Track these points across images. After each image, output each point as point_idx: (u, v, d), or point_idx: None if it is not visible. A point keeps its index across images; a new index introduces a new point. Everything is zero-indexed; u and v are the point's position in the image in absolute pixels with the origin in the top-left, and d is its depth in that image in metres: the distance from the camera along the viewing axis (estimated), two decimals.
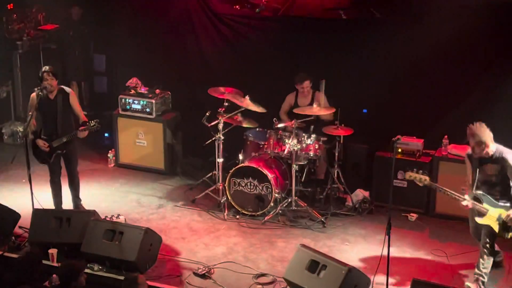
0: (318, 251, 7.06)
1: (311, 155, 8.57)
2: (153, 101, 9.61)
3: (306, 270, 6.78)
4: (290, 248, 7.69)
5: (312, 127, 8.62)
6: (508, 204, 6.69)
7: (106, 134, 10.50)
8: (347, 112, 8.66)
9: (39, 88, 8.06)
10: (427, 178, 6.92)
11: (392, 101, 9.09)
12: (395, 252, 7.22)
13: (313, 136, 8.55)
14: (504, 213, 6.65)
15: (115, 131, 9.92)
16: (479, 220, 6.83)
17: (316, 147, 8.57)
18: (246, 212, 8.58)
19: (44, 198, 8.34)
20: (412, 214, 8.54)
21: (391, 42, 8.83)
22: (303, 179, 8.77)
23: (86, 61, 11.30)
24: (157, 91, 9.77)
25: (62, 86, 8.22)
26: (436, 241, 8.00)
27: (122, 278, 6.79)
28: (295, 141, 8.41)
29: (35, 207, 7.95)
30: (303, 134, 8.54)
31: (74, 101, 8.19)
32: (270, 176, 8.37)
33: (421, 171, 6.95)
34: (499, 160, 6.65)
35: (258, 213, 8.52)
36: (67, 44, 11.06)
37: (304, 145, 8.50)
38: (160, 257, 7.55)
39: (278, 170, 8.58)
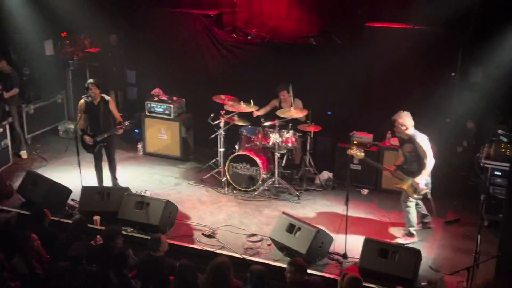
0: (295, 217, 7.08)
1: (289, 146, 8.58)
2: (172, 106, 9.60)
3: (286, 231, 6.83)
4: (274, 215, 7.72)
5: (290, 125, 8.63)
6: (414, 172, 6.82)
7: (136, 131, 10.46)
8: (316, 113, 8.68)
9: (86, 96, 8.06)
10: (362, 154, 7.13)
11: (349, 106, 9.09)
12: (351, 218, 7.22)
13: (291, 131, 8.55)
14: (414, 181, 6.76)
15: (143, 128, 9.89)
16: (396, 185, 7.00)
17: (293, 140, 8.58)
18: (241, 189, 8.58)
19: (89, 178, 8.36)
20: (364, 190, 8.60)
21: (349, 61, 8.83)
22: (283, 163, 8.79)
23: (121, 75, 11.26)
24: (175, 98, 9.75)
25: (103, 95, 8.21)
26: (382, 209, 8.04)
27: (148, 237, 6.84)
28: (277, 135, 8.43)
29: (83, 185, 7.98)
30: (284, 130, 8.54)
31: (112, 106, 8.18)
32: (259, 161, 8.39)
33: (359, 148, 7.25)
34: (413, 141, 6.75)
35: (250, 189, 8.53)
36: (107, 63, 11.02)
37: (284, 138, 8.50)
38: (177, 222, 7.59)
39: (265, 157, 8.60)
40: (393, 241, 6.98)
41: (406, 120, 6.81)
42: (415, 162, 6.82)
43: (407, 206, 7.02)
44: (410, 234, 7.10)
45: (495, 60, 8.15)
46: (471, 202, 7.83)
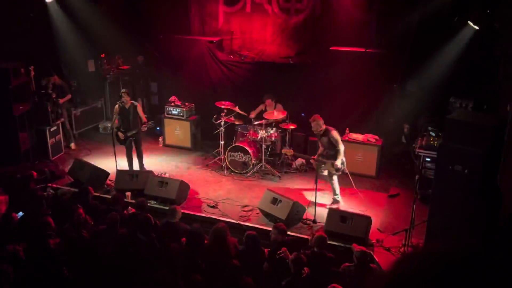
0: (277, 192, 7.08)
1: (273, 139, 8.58)
2: (184, 109, 9.54)
3: (270, 203, 6.85)
4: (261, 192, 7.64)
5: (273, 123, 8.63)
6: (332, 158, 6.92)
7: (157, 128, 10.44)
8: (294, 115, 8.69)
9: (119, 102, 8.00)
10: (291, 151, 7.56)
11: (318, 108, 8.96)
12: (319, 193, 7.25)
13: (274, 129, 8.55)
14: (333, 163, 6.90)
15: (163, 126, 9.83)
16: (320, 170, 7.15)
17: (276, 135, 8.58)
18: (236, 171, 8.55)
19: (123, 164, 8.31)
20: (340, 173, 8.53)
21: (318, 76, 8.86)
22: (268, 152, 8.80)
23: (146, 86, 11.18)
24: (186, 103, 9.70)
25: (133, 101, 8.16)
26: (342, 186, 8.01)
27: (166, 208, 6.85)
28: (264, 131, 8.42)
29: (118, 168, 7.94)
30: (268, 128, 8.54)
31: (139, 109, 8.13)
32: (250, 151, 8.38)
33: (288, 147, 7.67)
34: (327, 134, 6.94)
35: (243, 172, 8.50)
36: (135, 77, 10.94)
37: (268, 133, 8.50)
38: (189, 197, 7.57)
39: (254, 148, 8.58)
40: (328, 207, 7.00)
41: (320, 122, 6.97)
42: (332, 149, 6.96)
43: (332, 180, 7.13)
44: (336, 201, 7.21)
45: (426, 74, 8.19)
46: (408, 181, 7.90)
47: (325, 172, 7.45)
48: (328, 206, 7.17)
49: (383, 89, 8.62)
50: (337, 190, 7.29)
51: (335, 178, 7.20)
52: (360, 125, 8.69)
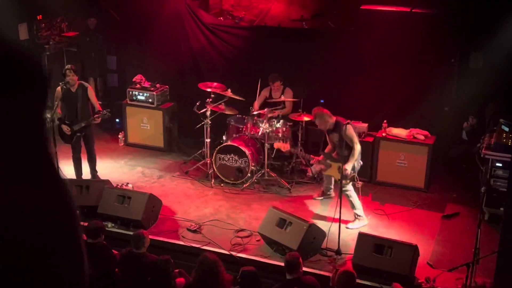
0: (285, 211, 7.09)
1: (280, 136, 8.54)
2: (155, 93, 9.53)
3: (276, 226, 6.82)
4: (263, 209, 7.68)
5: (280, 114, 8.60)
6: (342, 159, 7.13)
7: (117, 120, 10.41)
8: (308, 101, 8.67)
9: (63, 82, 7.98)
10: (288, 146, 7.86)
11: (343, 93, 9.08)
12: (345, 212, 7.25)
13: (281, 121, 8.53)
14: (342, 167, 7.05)
15: (124, 117, 9.82)
16: (325, 172, 7.52)
17: (284, 130, 8.56)
18: (228, 181, 8.56)
19: (67, 170, 8.29)
20: (358, 182, 8.59)
21: (343, 47, 8.84)
22: (273, 155, 8.77)
23: (100, 61, 11.16)
24: (158, 85, 9.68)
25: (82, 82, 8.13)
26: (377, 203, 8.07)
27: (129, 233, 6.80)
28: (267, 125, 8.40)
29: None
30: (274, 120, 8.52)
31: (91, 94, 8.12)
32: (247, 152, 8.36)
33: (284, 141, 7.80)
34: (339, 130, 7.17)
35: (238, 182, 8.51)
36: (85, 47, 10.92)
37: (274, 128, 8.48)
38: (160, 217, 7.56)
39: (254, 148, 8.57)
40: (346, 227, 7.25)
41: (326, 115, 7.27)
42: (344, 148, 7.14)
43: (345, 191, 7.26)
44: (358, 217, 7.39)
45: (497, 45, 8.16)
46: (471, 195, 7.89)
47: (329, 182, 7.81)
48: (350, 226, 7.26)
49: (435, 66, 8.60)
50: (357, 203, 7.36)
51: (349, 187, 7.30)
52: (403, 116, 8.69)
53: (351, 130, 7.22)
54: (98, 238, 6.05)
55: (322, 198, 8.10)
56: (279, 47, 9.33)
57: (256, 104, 8.95)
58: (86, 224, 6.50)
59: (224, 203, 8.08)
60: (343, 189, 7.24)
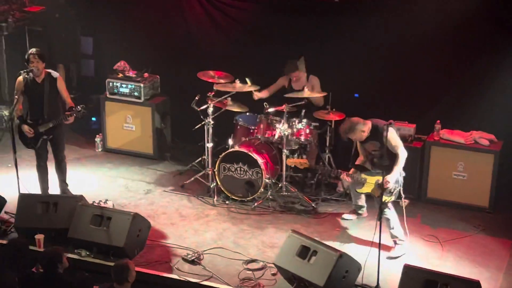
0: (309, 236, 7.07)
1: (302, 140, 8.56)
2: (142, 85, 9.57)
3: (297, 256, 6.80)
4: (280, 234, 7.71)
5: (303, 111, 8.61)
6: (382, 170, 7.10)
7: (93, 118, 10.46)
8: (339, 96, 8.68)
9: (25, 71, 8.01)
10: (306, 160, 7.85)
11: (384, 86, 9.09)
12: (386, 238, 7.25)
13: (304, 120, 8.54)
14: (385, 179, 7.05)
15: (103, 115, 9.87)
16: (359, 190, 7.58)
17: (307, 132, 8.56)
18: (235, 198, 8.58)
19: (30, 183, 8.32)
20: (404, 200, 8.56)
21: (385, 26, 8.81)
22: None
23: (73, 43, 11.21)
24: (146, 74, 9.72)
25: (50, 70, 8.17)
26: (428, 226, 8.04)
27: (110, 264, 6.80)
28: (285, 125, 8.41)
29: (21, 192, 7.94)
30: (294, 119, 8.53)
31: (61, 85, 8.15)
32: (260, 161, 8.37)
33: (299, 156, 7.79)
34: (379, 136, 7.16)
35: (248, 198, 8.52)
36: (53, 26, 10.97)
37: (295, 130, 8.49)
38: (148, 243, 7.57)
39: (268, 155, 8.58)
40: (388, 257, 7.32)
41: (361, 126, 7.32)
42: (385, 157, 7.14)
43: (385, 210, 7.30)
44: (395, 238, 7.45)
45: None
46: None
47: (361, 200, 7.86)
48: (392, 254, 7.31)
49: (502, 52, 8.56)
50: (396, 224, 7.39)
51: (389, 206, 7.34)
52: (461, 115, 8.68)
53: (393, 133, 7.26)
54: (55, 269, 6.06)
55: (354, 218, 8.14)
56: (301, 26, 9.32)
57: (264, 92, 8.94)
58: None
59: (230, 226, 8.08)
60: (382, 207, 7.21)
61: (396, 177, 7.22)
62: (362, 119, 7.37)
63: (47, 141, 8.23)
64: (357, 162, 7.64)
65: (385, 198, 7.22)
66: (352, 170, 7.56)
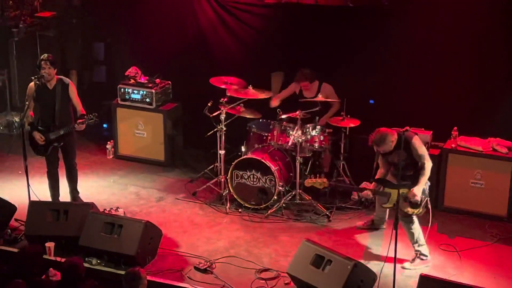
0: (323, 245, 7.06)
1: (316, 147, 8.56)
2: (153, 91, 9.59)
3: (311, 265, 6.79)
4: (294, 243, 7.68)
5: (317, 118, 8.60)
6: (408, 182, 7.18)
7: (104, 125, 10.49)
8: (354, 102, 8.67)
9: (36, 77, 8.04)
10: (325, 180, 7.68)
11: (400, 91, 9.06)
12: (402, 247, 7.21)
13: (318, 127, 8.53)
14: (410, 192, 7.11)
15: (114, 122, 9.90)
16: (384, 205, 7.45)
17: (321, 139, 8.55)
18: (248, 206, 8.57)
19: (41, 190, 8.34)
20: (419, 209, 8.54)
21: (399, 30, 8.80)
22: (307, 171, 8.75)
23: (87, 50, 11.24)
24: (158, 80, 9.74)
25: (61, 76, 8.20)
26: (445, 235, 8.01)
27: (121, 272, 6.81)
28: (299, 132, 8.40)
29: (31, 199, 7.95)
30: (308, 125, 8.52)
31: (73, 92, 8.17)
32: (273, 168, 8.37)
33: (318, 175, 7.75)
34: (404, 145, 7.00)
35: (261, 206, 8.51)
36: (68, 32, 11.00)
37: (308, 136, 8.48)
38: (160, 251, 7.56)
39: (282, 163, 8.57)
40: (402, 267, 7.26)
41: (390, 136, 7.19)
42: (410, 167, 7.21)
43: (408, 222, 7.29)
44: (421, 256, 7.35)
45: None
46: None
47: (384, 215, 7.84)
48: (407, 266, 7.29)
49: None
50: (420, 237, 7.35)
51: (414, 218, 7.30)
52: (478, 122, 8.66)
53: (419, 142, 7.21)
54: (76, 279, 6.05)
55: (368, 227, 8.11)
56: (315, 31, 9.33)
57: (275, 99, 8.97)
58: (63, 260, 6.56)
59: (242, 234, 8.07)
60: (405, 218, 7.20)
61: (422, 188, 7.16)
62: (389, 129, 7.28)
63: (58, 149, 8.25)
64: (377, 176, 7.56)
65: (412, 210, 7.21)
66: (372, 184, 7.46)
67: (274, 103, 8.98)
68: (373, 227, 8.11)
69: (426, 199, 7.26)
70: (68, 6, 10.97)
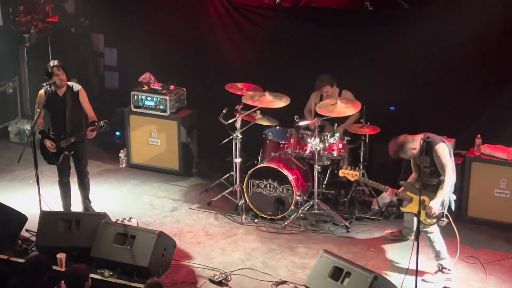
0: (342, 257, 7.06)
1: (335, 155, 8.54)
2: (167, 98, 9.62)
3: (329, 277, 6.79)
4: (311, 254, 7.68)
5: (335, 125, 8.59)
6: (429, 191, 7.14)
7: (117, 133, 10.52)
8: (373, 109, 8.63)
9: (48, 83, 8.09)
10: (357, 173, 7.75)
11: (421, 98, 9.05)
12: (424, 259, 7.18)
13: (337, 135, 8.51)
14: (427, 200, 7.10)
15: (127, 129, 9.94)
16: (404, 209, 7.52)
17: (340, 147, 8.54)
18: (265, 216, 8.57)
19: (52, 200, 8.39)
20: (442, 219, 8.48)
21: (420, 35, 8.79)
22: (326, 181, 8.76)
23: (99, 55, 11.29)
24: (172, 87, 9.78)
25: (71, 83, 8.24)
26: (469, 247, 7.95)
27: (134, 284, 6.83)
28: (317, 140, 8.39)
29: (42, 209, 8.00)
30: (326, 133, 8.52)
31: (83, 98, 8.21)
32: (291, 177, 8.36)
33: (352, 167, 7.96)
34: (429, 150, 7.04)
35: (278, 216, 8.51)
36: (79, 38, 11.06)
37: (327, 144, 8.47)
38: (174, 263, 7.58)
39: (299, 171, 8.57)
40: (422, 280, 7.22)
41: (412, 142, 7.18)
42: (434, 175, 7.16)
43: (428, 232, 7.26)
44: (443, 269, 7.30)
45: None
46: None
47: (412, 224, 7.67)
48: (428, 279, 7.26)
49: None
50: (443, 250, 7.32)
51: (434, 229, 7.25)
52: (503, 129, 8.62)
53: (445, 150, 7.14)
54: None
55: (396, 238, 8.09)
56: (333, 35, 9.33)
57: (307, 113, 9.01)
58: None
59: (259, 245, 8.07)
60: (425, 230, 7.19)
61: (441, 201, 7.10)
62: (409, 135, 7.25)
63: (69, 157, 8.29)
64: (409, 179, 7.54)
65: (427, 220, 7.17)
66: (401, 188, 7.45)
67: (309, 118, 8.95)
68: (401, 237, 8.09)
69: (442, 212, 7.17)
70: (62, 15, 11.01)
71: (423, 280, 7.23)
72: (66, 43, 11.01)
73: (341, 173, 7.89)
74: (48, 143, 8.15)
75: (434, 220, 7.18)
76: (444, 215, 7.18)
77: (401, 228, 8.12)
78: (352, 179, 7.85)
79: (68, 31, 10.99)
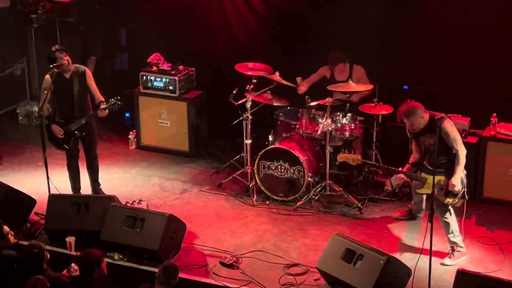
0: (354, 239, 7.04)
1: (347, 136, 8.53)
2: (177, 78, 9.60)
3: (341, 259, 6.79)
4: (324, 237, 7.66)
5: (347, 105, 8.56)
6: (442, 170, 7.13)
7: (126, 114, 10.53)
8: (386, 88, 8.61)
9: (55, 65, 8.03)
10: (359, 157, 7.73)
11: (436, 76, 9.01)
12: (438, 241, 7.17)
13: (349, 115, 8.50)
14: (443, 180, 7.11)
15: (136, 111, 9.95)
16: (418, 190, 7.44)
17: (352, 127, 8.52)
18: (276, 198, 8.57)
19: (61, 183, 8.40)
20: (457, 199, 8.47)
21: (434, 11, 8.76)
22: (338, 162, 8.72)
23: (111, 36, 11.25)
24: (181, 67, 9.75)
25: (76, 65, 8.23)
26: (484, 228, 7.95)
27: (143, 268, 6.85)
28: (329, 120, 8.36)
29: (51, 192, 8.03)
30: (338, 113, 8.49)
31: (90, 79, 8.22)
32: (302, 158, 8.34)
33: (352, 150, 8.04)
34: (435, 128, 6.93)
35: (289, 198, 8.51)
36: (91, 18, 11.03)
37: (339, 124, 8.46)
38: (184, 246, 7.59)
39: (311, 152, 8.55)
40: (442, 263, 7.26)
41: (420, 112, 7.18)
42: (442, 154, 7.12)
43: (444, 213, 7.26)
44: (456, 247, 7.34)
45: None
46: None
47: (421, 201, 7.77)
48: (447, 262, 7.27)
49: None
50: (456, 228, 7.31)
51: (450, 208, 7.26)
52: None
53: (451, 127, 7.15)
54: (91, 273, 6.08)
55: (405, 219, 8.09)
56: (345, 12, 9.24)
57: (304, 85, 8.93)
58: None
59: (270, 227, 8.07)
60: (441, 208, 7.16)
61: (460, 178, 7.11)
62: (423, 110, 7.23)
63: (79, 140, 8.30)
64: (411, 160, 7.52)
65: (449, 200, 7.16)
66: (407, 166, 7.43)
67: (302, 88, 8.92)
68: (410, 217, 8.09)
69: (464, 189, 7.19)
70: None
71: (442, 264, 7.23)
72: (89, 21, 10.95)
73: (339, 157, 7.80)
74: (56, 129, 8.14)
75: (457, 200, 7.17)
76: (465, 194, 7.19)
77: (409, 207, 8.12)
78: (353, 163, 7.74)
79: (91, 8, 10.93)
